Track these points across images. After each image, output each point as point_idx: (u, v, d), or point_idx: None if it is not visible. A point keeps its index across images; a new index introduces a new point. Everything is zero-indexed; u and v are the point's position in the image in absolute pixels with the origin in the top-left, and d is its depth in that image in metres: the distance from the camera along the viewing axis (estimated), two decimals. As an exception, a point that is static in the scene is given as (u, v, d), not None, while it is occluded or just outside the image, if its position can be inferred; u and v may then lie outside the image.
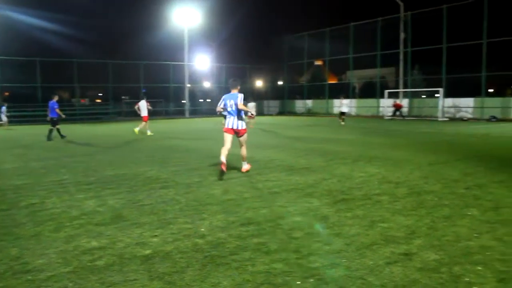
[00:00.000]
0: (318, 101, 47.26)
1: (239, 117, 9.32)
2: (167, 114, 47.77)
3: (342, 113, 28.61)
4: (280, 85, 55.38)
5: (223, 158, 8.94)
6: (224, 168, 8.82)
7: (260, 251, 4.52)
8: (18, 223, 5.73)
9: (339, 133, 20.37)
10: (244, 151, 9.64)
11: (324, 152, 12.85)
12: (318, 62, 52.92)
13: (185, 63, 47.08)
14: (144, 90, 44.50)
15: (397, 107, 34.71)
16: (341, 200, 6.72)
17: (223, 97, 9.55)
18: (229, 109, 9.36)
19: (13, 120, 38.24)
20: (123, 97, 52.68)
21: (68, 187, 8.13)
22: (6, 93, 47.19)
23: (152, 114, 46.86)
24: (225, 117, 9.64)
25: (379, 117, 36.99)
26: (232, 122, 9.33)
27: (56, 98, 20.24)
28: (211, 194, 7.29)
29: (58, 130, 19.96)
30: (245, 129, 9.48)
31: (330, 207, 6.26)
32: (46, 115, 30.87)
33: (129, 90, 53.04)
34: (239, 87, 9.53)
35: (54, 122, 19.88)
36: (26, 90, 41.72)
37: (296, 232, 5.13)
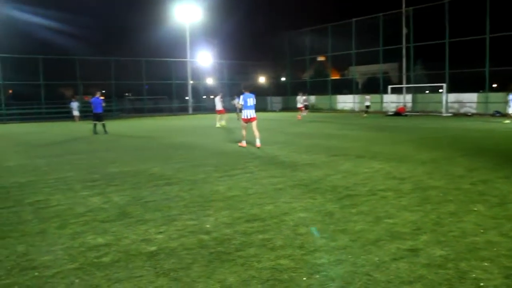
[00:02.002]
0: (321, 97, 47.14)
1: (254, 110, 13.46)
2: (171, 111, 47.75)
3: (367, 107, 33.29)
4: (283, 81, 55.27)
5: (244, 143, 13.52)
6: (245, 145, 13.44)
7: (265, 247, 4.52)
8: (23, 220, 5.75)
9: (343, 129, 20.34)
10: (257, 132, 13.45)
11: (328, 148, 12.83)
12: (321, 58, 52.79)
13: (187, 59, 47.07)
14: (146, 87, 44.54)
15: (400, 111, 34.56)
16: (345, 196, 6.71)
17: (243, 96, 13.43)
18: (249, 104, 13.38)
19: (16, 118, 38.37)
20: (126, 94, 52.76)
21: (72, 184, 8.15)
22: (10, 91, 47.29)
23: (155, 111, 46.93)
24: (240, 110, 13.62)
25: (382, 113, 36.89)
26: (249, 113, 13.39)
27: (99, 94, 21.34)
28: (216, 190, 7.30)
29: (103, 125, 20.82)
30: (255, 117, 13.56)
31: (335, 203, 6.25)
32: (50, 112, 30.87)
33: (132, 87, 53.11)
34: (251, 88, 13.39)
35: (99, 117, 20.84)
36: (29, 88, 41.77)
37: (301, 228, 5.12)
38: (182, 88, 48.60)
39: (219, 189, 7.36)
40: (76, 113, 31.74)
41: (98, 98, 21.21)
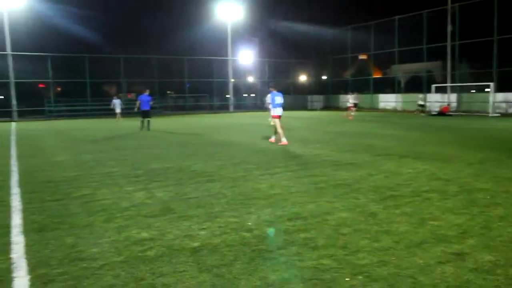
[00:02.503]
0: (363, 95, 46.50)
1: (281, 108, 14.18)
2: (212, 109, 48.22)
3: (422, 105, 34.06)
4: (324, 80, 54.85)
5: (284, 139, 13.75)
6: (286, 142, 13.65)
7: (307, 246, 4.50)
8: (72, 213, 5.94)
9: (385, 128, 20.01)
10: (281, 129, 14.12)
11: (370, 147, 12.65)
12: (363, 56, 52.07)
13: (229, 58, 47.38)
14: (188, 85, 45.16)
15: (444, 111, 33.68)
16: (389, 196, 6.59)
17: (271, 95, 14.40)
18: (277, 102, 14.17)
19: (64, 114, 39.66)
20: (168, 92, 53.57)
21: (117, 179, 8.35)
22: (58, 88, 48.94)
23: (196, 108, 47.43)
24: (268, 110, 14.47)
25: (425, 112, 36.04)
26: (279, 111, 14.11)
27: (147, 92, 22.04)
28: (258, 188, 7.32)
29: (148, 122, 21.38)
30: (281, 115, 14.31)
31: (378, 204, 6.16)
32: (95, 109, 31.75)
33: (174, 85, 53.90)
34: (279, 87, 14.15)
35: (146, 114, 21.47)
36: (76, 85, 43.09)
37: (344, 228, 5.07)
38: (223, 86, 48.98)
39: (261, 187, 7.38)
40: (118, 110, 32.16)
41: (146, 95, 21.75)
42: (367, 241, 4.63)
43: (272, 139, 14.51)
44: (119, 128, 24.02)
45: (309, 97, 51.94)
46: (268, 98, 14.34)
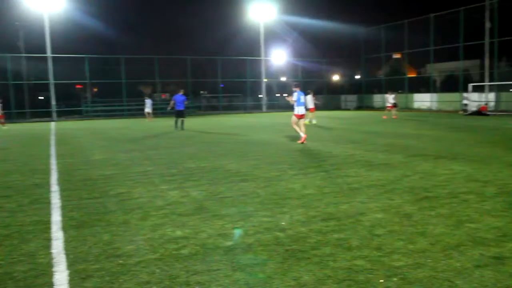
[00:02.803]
0: (397, 95, 45.75)
1: (304, 107, 14.75)
2: (245, 109, 48.42)
3: (465, 105, 33.91)
4: (357, 79, 54.29)
5: (302, 134, 14.36)
6: (304, 140, 14.22)
7: (341, 247, 4.47)
8: (108, 211, 6.07)
9: (420, 128, 19.64)
10: (304, 127, 14.74)
11: (404, 147, 12.45)
12: (397, 55, 51.26)
13: (262, 58, 47.44)
14: (221, 85, 45.39)
15: (482, 110, 32.79)
16: (424, 198, 6.47)
17: (296, 94, 14.54)
18: (301, 101, 14.57)
19: (100, 114, 40.55)
20: (201, 92, 54.07)
21: (152, 178, 8.49)
22: (95, 89, 50.10)
23: (229, 108, 47.73)
24: (293, 107, 14.76)
25: (462, 112, 35.19)
26: (301, 110, 14.58)
27: (182, 92, 22.46)
28: (291, 188, 7.30)
29: (182, 121, 21.76)
30: (304, 114, 14.91)
31: (413, 205, 6.05)
32: (131, 109, 32.28)
33: (207, 85, 54.37)
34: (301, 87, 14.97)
35: (180, 114, 21.82)
36: (112, 86, 44.03)
37: (378, 229, 5.01)
38: (256, 86, 49.11)
39: (294, 187, 7.36)
40: (148, 109, 32.12)
41: (180, 95, 22.05)
42: (402, 243, 4.56)
43: (302, 136, 14.40)
44: (153, 127, 24.39)
45: (342, 97, 51.51)
46: (295, 96, 14.48)
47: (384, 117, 28.83)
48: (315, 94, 26.46)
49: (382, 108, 44.66)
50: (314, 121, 24.82)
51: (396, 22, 44.62)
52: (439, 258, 4.13)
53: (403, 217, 5.47)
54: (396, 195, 6.63)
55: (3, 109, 27.02)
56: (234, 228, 5.21)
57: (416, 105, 43.11)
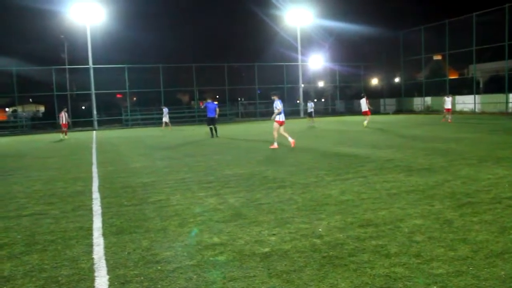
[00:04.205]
0: (438, 98, 44.69)
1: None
2: (282, 115, 48.34)
3: None
4: (397, 83, 53.43)
5: (291, 139, 15.27)
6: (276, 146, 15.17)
7: (379, 254, 4.42)
8: (147, 217, 6.21)
9: (463, 131, 19.14)
10: (286, 133, 15.65)
11: (445, 151, 12.17)
12: (437, 57, 50.16)
13: (299, 63, 47.43)
14: (259, 91, 45.57)
15: None
16: (466, 203, 6.32)
17: (280, 103, 15.36)
18: (283, 108, 15.43)
19: (139, 122, 41.43)
20: (239, 98, 54.44)
21: (190, 185, 8.62)
22: (134, 98, 51.27)
23: (267, 115, 47.85)
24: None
25: (507, 114, 34.10)
26: (281, 117, 15.35)
27: (210, 100, 22.84)
28: (328, 194, 7.28)
29: (215, 128, 21.99)
30: None
31: (454, 211, 5.92)
32: (169, 117, 32.79)
33: (244, 91, 54.71)
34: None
35: (211, 121, 22.10)
36: (150, 94, 44.96)
37: (417, 236, 4.93)
38: (293, 92, 49.07)
39: (332, 193, 7.33)
40: (165, 119, 31.73)
41: (211, 102, 22.29)
42: (442, 250, 4.47)
43: (291, 141, 15.30)
44: (190, 135, 24.73)
45: (381, 101, 50.80)
46: (279, 105, 15.24)
47: (444, 120, 27.94)
48: (368, 98, 26.51)
49: (423, 112, 43.79)
50: (365, 124, 25.08)
51: (436, 22, 43.70)
52: (482, 266, 4.03)
53: (443, 223, 5.36)
54: (437, 201, 6.50)
55: (69, 117, 27.31)
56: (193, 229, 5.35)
57: (458, 107, 42.00)
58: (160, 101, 42.61)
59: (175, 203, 7.10)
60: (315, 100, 54.41)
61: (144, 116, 43.00)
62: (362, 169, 9.75)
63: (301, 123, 34.67)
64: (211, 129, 21.94)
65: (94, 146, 20.00)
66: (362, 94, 27.17)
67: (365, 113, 25.77)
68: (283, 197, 7.23)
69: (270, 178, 9.02)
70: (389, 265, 4.12)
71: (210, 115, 22.09)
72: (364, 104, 25.79)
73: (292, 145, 15.16)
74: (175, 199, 7.41)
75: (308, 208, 6.37)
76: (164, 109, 32.17)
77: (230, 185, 8.44)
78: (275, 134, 15.53)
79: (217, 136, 21.43)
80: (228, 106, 46.96)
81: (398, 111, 47.72)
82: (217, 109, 22.46)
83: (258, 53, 58.45)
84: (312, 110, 32.00)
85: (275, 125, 15.47)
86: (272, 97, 15.85)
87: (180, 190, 8.14)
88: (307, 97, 49.39)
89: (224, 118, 44.09)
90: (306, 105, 31.15)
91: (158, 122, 41.65)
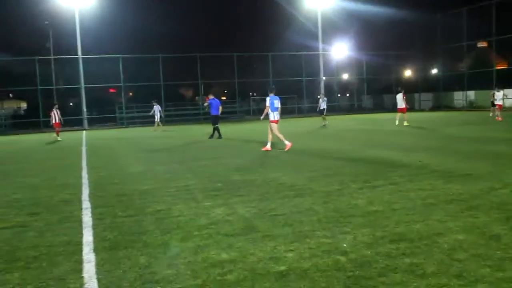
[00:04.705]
0: (483, 92, 44.26)
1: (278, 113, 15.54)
2: (300, 112, 48.46)
3: None
4: (434, 74, 53.11)
5: (287, 142, 15.28)
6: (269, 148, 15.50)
7: (413, 274, 4.40)
8: (145, 230, 6.24)
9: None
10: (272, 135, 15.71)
11: (492, 154, 12.09)
12: (482, 44, 49.77)
13: (320, 52, 47.32)
14: (273, 86, 45.64)
15: None
16: (517, 215, 6.27)
17: (270, 99, 15.40)
18: (276, 106, 15.40)
19: (136, 121, 41.67)
20: (250, 93, 54.50)
21: (194, 193, 8.65)
22: (130, 93, 51.55)
23: (283, 112, 47.83)
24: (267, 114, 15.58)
25: None
26: (277, 115, 15.46)
27: (212, 96, 22.91)
28: (354, 204, 7.26)
29: (218, 129, 22.13)
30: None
31: (502, 224, 5.87)
32: (170, 115, 32.72)
33: (257, 85, 54.69)
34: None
35: (216, 120, 22.37)
36: (149, 89, 45.03)
37: (459, 253, 4.89)
38: (313, 86, 48.96)
39: (358, 203, 7.31)
40: (157, 118, 31.40)
41: (215, 99, 22.57)
42: (488, 270, 4.44)
43: (268, 144, 15.63)
44: (194, 136, 24.82)
45: (415, 96, 50.51)
46: (267, 101, 15.40)
47: (498, 118, 27.56)
48: (405, 93, 26.71)
49: (465, 108, 43.42)
50: (405, 123, 25.20)
51: (481, 3, 43.26)
52: (536, 288, 4.00)
53: (490, 239, 5.32)
54: (482, 212, 6.46)
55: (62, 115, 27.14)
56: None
57: (508, 102, 41.56)
58: (160, 96, 42.64)
59: (177, 213, 7.13)
60: (339, 95, 54.32)
61: (141, 114, 43.23)
62: (394, 174, 9.72)
63: (319, 121, 34.56)
64: (215, 129, 22.06)
65: (84, 148, 20.16)
66: (399, 89, 27.43)
67: (401, 110, 26.03)
68: (301, 207, 7.22)
69: (287, 185, 9.02)
70: (425, 287, 4.10)
71: (214, 112, 22.31)
72: (400, 99, 26.11)
73: (264, 149, 15.53)
74: (177, 209, 7.44)
75: (330, 220, 6.36)
76: (155, 106, 31.74)
77: (240, 193, 8.45)
78: (279, 135, 15.52)
79: (219, 137, 21.50)
80: (238, 103, 47.05)
81: (435, 108, 47.47)
82: (221, 107, 22.68)
83: (272, 42, 58.38)
84: (325, 107, 30.64)
85: (273, 125, 15.54)
86: (269, 93, 15.83)
87: (183, 199, 8.17)
88: (330, 92, 49.32)
89: (234, 116, 44.14)
90: (318, 101, 30.51)
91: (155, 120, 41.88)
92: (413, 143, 16.06)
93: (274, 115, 15.44)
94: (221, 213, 7.06)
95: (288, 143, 15.24)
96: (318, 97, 32.94)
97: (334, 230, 5.91)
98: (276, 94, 15.55)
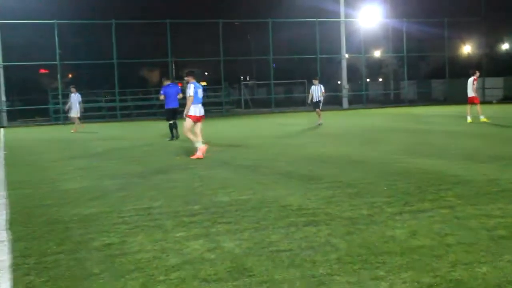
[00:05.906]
0: None
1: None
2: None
3: None
4: (504, 51, 53.20)
5: (200, 144, 15.98)
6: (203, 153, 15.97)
7: None
8: (89, 274, 6.15)
9: None
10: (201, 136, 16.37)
11: None
12: None
13: (341, 19, 47.29)
14: (273, 66, 45.51)
15: None
16: None
17: (193, 86, 16.00)
18: (200, 96, 16.32)
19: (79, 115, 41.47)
20: (242, 77, 54.36)
21: (161, 220, 8.60)
22: (69, 75, 51.32)
23: (287, 104, 47.80)
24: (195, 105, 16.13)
25: None
26: (201, 110, 16.33)
27: (170, 81, 24.10)
28: (390, 236, 7.23)
29: (175, 125, 22.57)
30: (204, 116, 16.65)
31: None
32: (126, 107, 32.76)
33: (251, 66, 54.54)
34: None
35: (174, 114, 22.89)
36: (96, 70, 44.77)
37: (543, 309, 4.87)
38: (332, 67, 48.86)
39: (396, 235, 7.29)
40: (74, 112, 31.52)
41: (174, 84, 23.20)
42: None
43: (200, 147, 16.08)
44: (162, 135, 24.76)
45: (479, 81, 50.44)
46: (191, 90, 15.92)
47: None
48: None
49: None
50: (482, 117, 25.60)
51: None
52: None
53: None
54: None
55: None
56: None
57: None
58: (112, 79, 42.06)
59: (136, 249, 7.07)
60: (368, 80, 54.30)
61: (85, 106, 43.03)
62: (447, 194, 9.71)
63: (340, 116, 34.66)
64: (171, 126, 22.37)
65: (1, 154, 20.05)
66: (471, 71, 27.40)
67: (471, 101, 26.25)
68: (314, 240, 7.19)
69: (293, 208, 9.00)
70: None
71: (171, 105, 22.64)
72: (471, 86, 26.30)
73: (197, 155, 15.95)
74: (135, 242, 7.38)
75: (356, 260, 6.31)
76: (72, 95, 31.56)
77: (226, 219, 8.41)
78: (190, 135, 16.25)
79: (177, 138, 21.94)
80: (224, 90, 46.77)
81: (507, 99, 47.32)
82: (180, 95, 22.82)
83: (273, 4, 58.33)
84: (321, 99, 29.62)
85: (188, 122, 16.19)
86: (185, 78, 16.30)
87: (144, 228, 8.12)
88: (355, 74, 49.16)
89: (218, 109, 44.05)
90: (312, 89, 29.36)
91: (108, 114, 41.64)
92: (477, 149, 16.08)
93: (196, 110, 16.07)
94: (199, 248, 7.00)
95: (202, 147, 15.93)
96: (314, 82, 30.44)
97: (361, 274, 5.86)
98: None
